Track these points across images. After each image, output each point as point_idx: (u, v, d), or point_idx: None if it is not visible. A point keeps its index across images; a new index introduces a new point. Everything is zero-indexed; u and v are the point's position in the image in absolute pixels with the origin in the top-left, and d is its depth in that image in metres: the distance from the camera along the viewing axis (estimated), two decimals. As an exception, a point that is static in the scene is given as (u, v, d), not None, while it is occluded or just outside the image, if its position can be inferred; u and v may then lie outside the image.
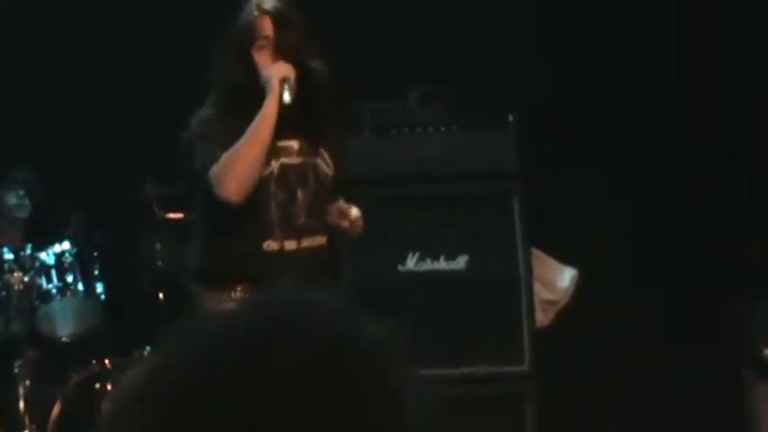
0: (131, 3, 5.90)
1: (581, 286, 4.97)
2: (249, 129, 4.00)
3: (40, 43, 5.97)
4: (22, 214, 5.69)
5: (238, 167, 4.00)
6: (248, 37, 4.10)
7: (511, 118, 4.95)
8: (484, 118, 5.09)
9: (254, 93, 4.04)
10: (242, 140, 4.00)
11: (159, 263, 5.46)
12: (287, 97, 4.00)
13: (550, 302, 4.94)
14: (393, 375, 1.04)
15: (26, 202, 5.67)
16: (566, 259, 5.09)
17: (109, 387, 5.39)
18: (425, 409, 1.05)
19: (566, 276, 5.00)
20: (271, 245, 4.09)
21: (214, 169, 3.97)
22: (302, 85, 4.04)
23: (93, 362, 5.46)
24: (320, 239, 4.13)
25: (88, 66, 5.86)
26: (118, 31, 5.92)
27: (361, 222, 4.03)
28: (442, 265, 4.83)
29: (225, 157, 3.97)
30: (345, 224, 4.04)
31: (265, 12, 4.08)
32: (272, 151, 4.10)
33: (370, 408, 1.03)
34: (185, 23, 5.43)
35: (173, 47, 5.46)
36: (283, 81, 4.01)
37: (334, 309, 1.08)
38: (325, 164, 4.17)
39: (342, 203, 4.08)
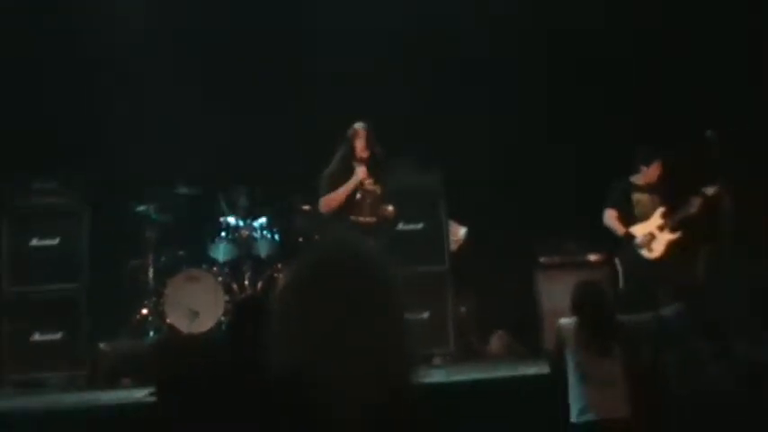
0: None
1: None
2: (346, 184, 6.28)
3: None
4: (246, 206, 8.73)
5: (331, 201, 6.30)
6: (351, 138, 6.46)
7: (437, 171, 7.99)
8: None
9: (351, 163, 6.36)
10: (339, 189, 6.27)
11: (306, 226, 8.25)
12: (363, 169, 6.35)
13: (456, 242, 8.39)
14: (389, 275, 1.85)
15: (247, 202, 8.71)
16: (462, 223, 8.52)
17: (280, 276, 8.29)
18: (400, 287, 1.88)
19: (462, 231, 8.59)
20: (355, 219, 6.37)
21: (322, 199, 6.34)
22: (372, 160, 6.41)
23: (274, 265, 8.59)
24: (372, 220, 6.41)
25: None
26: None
27: (393, 213, 6.46)
28: (411, 226, 7.88)
29: (327, 195, 6.29)
30: (384, 213, 6.39)
31: (358, 127, 6.47)
32: (360, 185, 6.40)
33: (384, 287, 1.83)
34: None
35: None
36: (361, 161, 6.41)
37: (371, 247, 1.91)
38: (380, 189, 6.47)
39: (386, 205, 6.46)
